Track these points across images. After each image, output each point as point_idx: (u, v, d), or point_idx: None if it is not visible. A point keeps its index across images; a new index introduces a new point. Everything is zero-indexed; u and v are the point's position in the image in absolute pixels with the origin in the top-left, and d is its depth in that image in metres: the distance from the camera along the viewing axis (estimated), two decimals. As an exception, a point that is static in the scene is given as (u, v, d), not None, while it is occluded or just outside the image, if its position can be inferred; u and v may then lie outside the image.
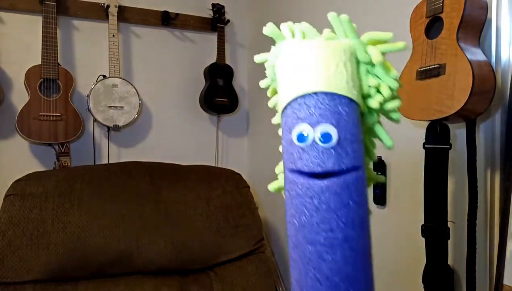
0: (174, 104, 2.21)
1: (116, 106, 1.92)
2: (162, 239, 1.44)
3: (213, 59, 2.18)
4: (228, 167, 1.97)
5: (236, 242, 1.55)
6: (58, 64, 1.80)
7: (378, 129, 0.48)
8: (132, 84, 1.97)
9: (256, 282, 1.50)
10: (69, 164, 1.85)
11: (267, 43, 0.52)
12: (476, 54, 0.93)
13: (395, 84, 0.45)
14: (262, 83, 0.52)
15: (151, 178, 1.57)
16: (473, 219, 1.00)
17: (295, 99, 0.43)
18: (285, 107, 0.44)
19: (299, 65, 0.43)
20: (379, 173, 1.34)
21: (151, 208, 1.49)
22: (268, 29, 0.48)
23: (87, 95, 1.87)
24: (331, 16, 0.47)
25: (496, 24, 0.99)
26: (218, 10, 2.20)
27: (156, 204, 1.50)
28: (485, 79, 0.91)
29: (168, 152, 2.15)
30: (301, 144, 0.42)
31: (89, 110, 1.86)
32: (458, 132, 1.08)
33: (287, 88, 0.44)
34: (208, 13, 2.23)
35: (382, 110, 0.47)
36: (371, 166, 0.54)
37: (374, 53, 0.44)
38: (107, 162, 2.01)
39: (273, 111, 0.50)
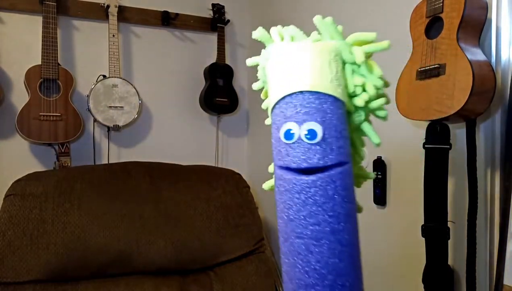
0: (174, 104, 2.21)
1: (116, 106, 1.92)
2: (162, 239, 1.44)
3: (213, 59, 2.18)
4: (228, 167, 1.97)
5: (236, 242, 1.55)
6: (58, 64, 1.80)
7: (366, 127, 0.50)
8: (132, 84, 1.97)
9: (256, 282, 1.50)
10: (69, 164, 1.85)
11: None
12: (476, 54, 0.93)
13: (379, 83, 0.47)
14: (255, 86, 0.54)
15: (151, 178, 1.57)
16: (473, 219, 1.00)
17: (283, 99, 0.45)
18: (274, 107, 0.47)
19: (286, 67, 0.46)
20: (379, 173, 1.34)
21: (151, 208, 1.49)
22: (257, 33, 0.50)
23: (87, 95, 1.87)
24: (317, 19, 0.49)
25: (496, 24, 1.00)
26: (218, 10, 2.20)
27: (156, 204, 1.50)
28: (485, 79, 0.91)
29: (168, 152, 2.15)
30: (288, 142, 0.44)
31: (89, 110, 1.86)
32: (458, 132, 1.08)
33: (275, 89, 0.46)
34: (208, 13, 2.23)
35: (368, 109, 0.49)
36: (363, 164, 0.56)
37: (358, 53, 0.46)
38: (107, 162, 2.01)
39: (272, 111, 0.51)
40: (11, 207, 1.35)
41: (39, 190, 1.39)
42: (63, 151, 1.84)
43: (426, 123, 1.06)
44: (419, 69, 1.00)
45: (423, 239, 1.07)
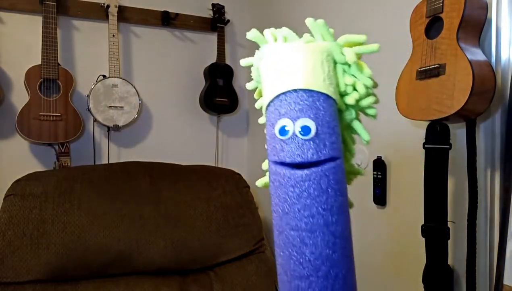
0: (174, 104, 2.21)
1: (116, 106, 1.92)
2: (162, 239, 1.44)
3: (213, 59, 2.18)
4: (228, 167, 1.97)
5: (236, 242, 1.55)
6: (58, 64, 1.80)
7: (356, 125, 0.52)
8: (132, 84, 1.97)
9: (256, 282, 1.50)
10: (69, 164, 1.85)
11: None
12: (476, 54, 0.93)
13: (369, 82, 0.49)
14: (248, 86, 0.56)
15: (151, 178, 1.57)
16: (473, 219, 1.00)
17: (277, 97, 0.47)
18: (268, 105, 0.48)
19: (280, 66, 0.48)
20: (379, 173, 1.34)
21: (151, 208, 1.49)
22: (251, 34, 0.52)
23: (87, 95, 1.87)
24: (309, 21, 0.51)
25: (496, 24, 1.00)
26: (218, 10, 2.20)
27: (156, 204, 1.50)
28: (485, 79, 0.91)
29: (168, 152, 2.15)
30: (283, 137, 0.46)
31: (89, 110, 1.86)
32: (458, 132, 1.08)
33: (270, 87, 0.48)
34: (208, 13, 2.23)
35: (358, 107, 0.51)
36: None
37: (348, 54, 0.48)
38: (107, 162, 2.01)
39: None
40: (11, 207, 1.35)
41: (39, 190, 1.39)
42: (63, 151, 1.84)
43: (426, 123, 1.06)
44: (419, 69, 1.00)
45: (423, 239, 1.07)
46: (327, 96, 0.46)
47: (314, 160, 0.45)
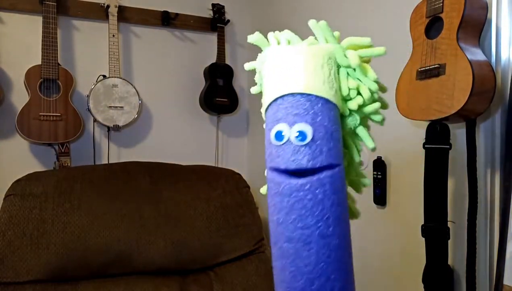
0: (174, 104, 2.21)
1: (116, 106, 1.92)
2: (162, 239, 1.44)
3: (213, 59, 2.18)
4: (228, 167, 1.97)
5: (236, 242, 1.55)
6: (58, 64, 1.80)
7: (360, 131, 0.49)
8: (132, 84, 1.97)
9: (256, 282, 1.50)
10: (69, 164, 1.85)
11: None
12: (476, 54, 0.93)
13: (374, 86, 0.47)
14: (253, 90, 0.54)
15: (151, 178, 1.57)
16: (473, 219, 1.00)
17: (275, 101, 0.46)
18: (267, 109, 0.47)
19: (279, 69, 0.46)
20: (379, 173, 1.34)
21: (151, 208, 1.49)
22: (254, 38, 0.51)
23: (87, 95, 1.87)
24: (311, 23, 0.49)
25: (496, 24, 1.00)
26: (218, 10, 2.20)
27: (156, 204, 1.50)
28: (485, 79, 0.91)
29: (168, 152, 2.15)
30: (278, 143, 0.44)
31: (89, 110, 1.86)
32: (458, 132, 1.08)
33: (268, 91, 0.47)
34: (208, 13, 2.23)
35: (362, 113, 0.49)
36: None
37: (352, 57, 0.46)
38: (107, 162, 2.01)
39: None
40: (11, 207, 1.35)
41: (39, 190, 1.39)
42: (63, 151, 1.84)
43: (426, 123, 1.06)
44: (419, 69, 1.00)
45: (423, 239, 1.07)
46: (327, 100, 0.45)
47: (309, 167, 0.43)
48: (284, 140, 0.44)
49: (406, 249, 1.26)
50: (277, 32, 0.51)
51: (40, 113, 1.73)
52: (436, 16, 0.98)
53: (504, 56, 0.99)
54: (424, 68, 0.99)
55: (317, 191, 0.43)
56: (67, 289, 1.32)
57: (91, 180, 1.48)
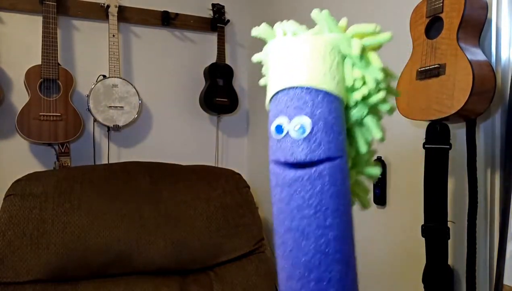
0: (174, 104, 2.21)
1: (116, 106, 1.92)
2: (162, 239, 1.44)
3: (213, 59, 2.18)
4: (228, 167, 1.97)
5: (236, 242, 1.55)
6: (58, 64, 1.80)
7: (368, 122, 0.48)
8: (132, 84, 1.97)
9: (256, 282, 1.50)
10: (69, 164, 1.85)
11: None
12: (476, 54, 0.93)
13: (379, 75, 0.45)
14: (261, 81, 0.53)
15: (151, 178, 1.57)
16: (473, 219, 1.00)
17: (276, 94, 0.46)
18: (270, 102, 0.47)
19: (280, 62, 0.46)
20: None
21: (151, 208, 1.49)
22: (259, 30, 0.50)
23: (87, 95, 1.87)
24: (314, 12, 0.48)
25: (496, 24, 0.99)
26: (218, 10, 2.20)
27: (156, 204, 1.50)
28: (485, 79, 0.91)
29: (168, 152, 2.15)
30: (278, 136, 0.45)
31: (89, 110, 1.87)
32: (458, 132, 1.08)
33: (270, 84, 0.47)
34: (208, 13, 2.23)
35: (368, 103, 0.47)
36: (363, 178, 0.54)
37: (355, 45, 0.45)
38: (107, 162, 2.01)
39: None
40: (11, 207, 1.35)
41: (39, 190, 1.39)
42: (63, 151, 1.84)
43: (426, 123, 1.06)
44: (419, 69, 1.00)
45: (423, 239, 1.07)
46: (328, 92, 0.44)
47: (308, 160, 0.43)
48: (284, 133, 0.44)
49: (406, 249, 1.26)
50: (284, 21, 0.50)
51: (40, 113, 1.73)
52: (436, 16, 0.98)
53: (504, 56, 0.99)
54: (424, 68, 0.99)
55: (315, 183, 0.43)
56: (67, 289, 1.32)
57: (91, 180, 1.48)
